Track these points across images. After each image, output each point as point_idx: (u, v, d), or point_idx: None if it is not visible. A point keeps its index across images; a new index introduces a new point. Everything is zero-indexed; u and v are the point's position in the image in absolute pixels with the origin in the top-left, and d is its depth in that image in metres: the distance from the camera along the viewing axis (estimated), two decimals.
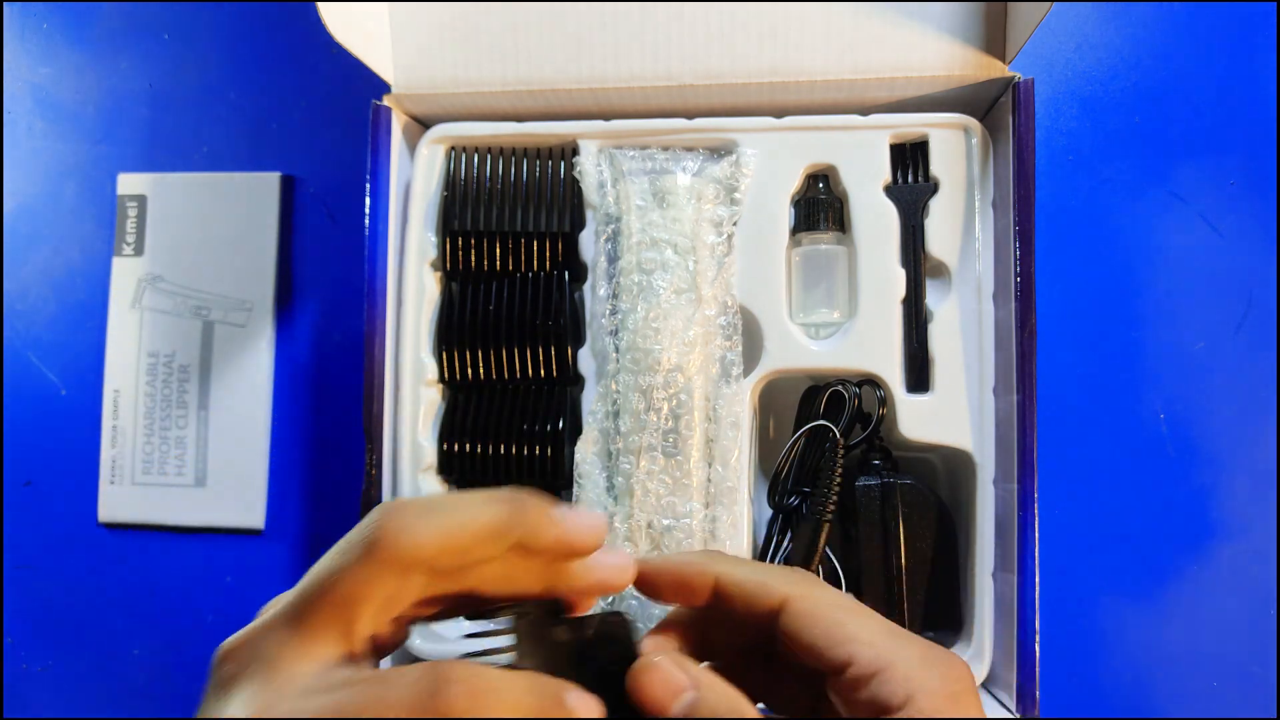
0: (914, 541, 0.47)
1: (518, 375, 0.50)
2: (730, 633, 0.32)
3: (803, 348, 0.48)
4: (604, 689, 0.28)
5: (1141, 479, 0.53)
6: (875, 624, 0.29)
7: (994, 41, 0.47)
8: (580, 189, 0.50)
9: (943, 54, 0.47)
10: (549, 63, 0.49)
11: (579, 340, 0.50)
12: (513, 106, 0.51)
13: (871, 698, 0.27)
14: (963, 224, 0.48)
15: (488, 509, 0.27)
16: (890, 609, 0.46)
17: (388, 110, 0.50)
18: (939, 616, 0.47)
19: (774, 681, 0.32)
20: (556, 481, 0.50)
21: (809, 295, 0.49)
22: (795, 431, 0.49)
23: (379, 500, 0.49)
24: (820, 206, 0.49)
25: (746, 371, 0.48)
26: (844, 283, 0.49)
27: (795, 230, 0.50)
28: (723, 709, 0.28)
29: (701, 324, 0.48)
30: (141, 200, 0.59)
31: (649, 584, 0.32)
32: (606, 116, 0.50)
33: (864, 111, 0.49)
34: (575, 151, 0.50)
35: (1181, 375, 0.53)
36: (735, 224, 0.49)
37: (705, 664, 0.30)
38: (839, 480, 0.47)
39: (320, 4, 0.43)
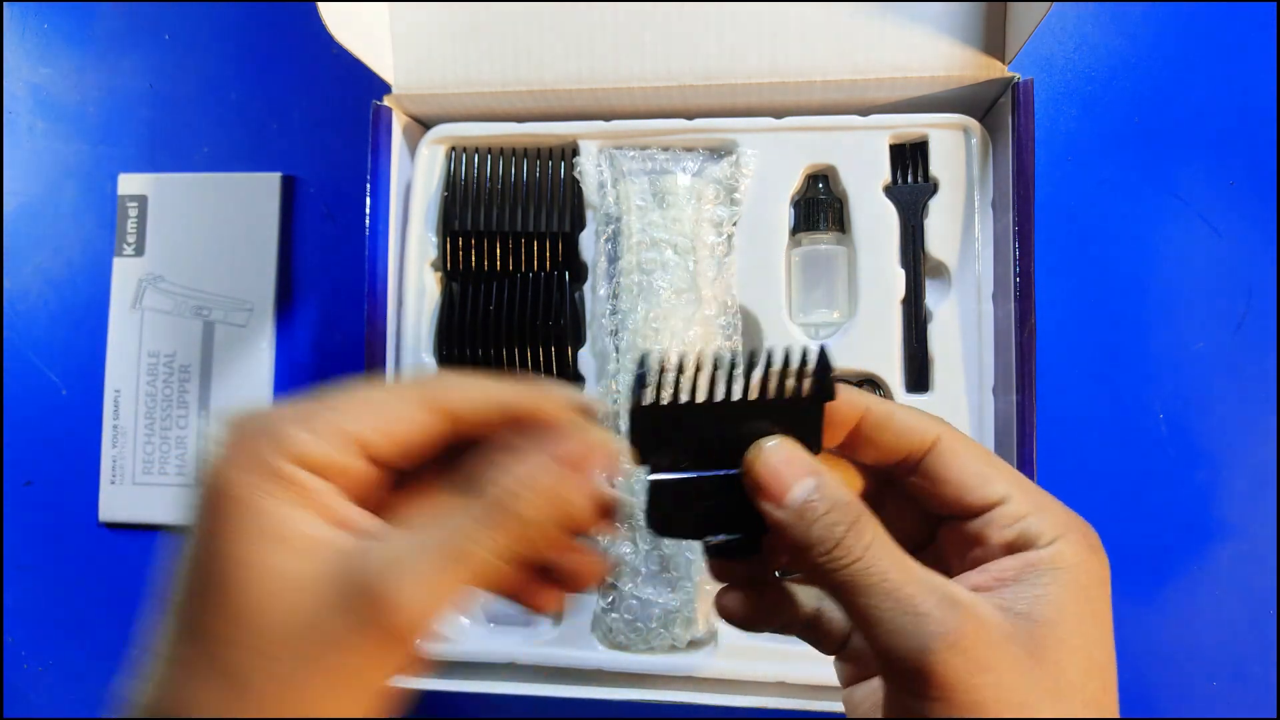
0: None
1: (518, 375, 0.50)
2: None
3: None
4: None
5: (1141, 479, 0.53)
6: (1018, 473, 0.30)
7: (994, 41, 0.47)
8: (580, 189, 0.50)
9: (943, 54, 0.47)
10: (549, 63, 0.49)
11: (579, 340, 0.50)
12: (513, 107, 0.51)
13: (1018, 535, 0.28)
14: (962, 224, 0.48)
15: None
16: None
17: (388, 110, 0.50)
18: None
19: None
20: None
21: (809, 295, 0.49)
22: None
23: None
24: (820, 207, 0.49)
25: None
26: (844, 283, 0.49)
27: (795, 230, 0.50)
28: (846, 498, 0.28)
29: (701, 324, 0.48)
30: (142, 200, 0.59)
31: None
32: (606, 117, 0.50)
33: (864, 112, 0.49)
34: (575, 152, 0.50)
35: (1181, 375, 0.53)
36: (735, 224, 0.49)
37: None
38: None
39: (320, 4, 0.43)
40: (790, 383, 0.29)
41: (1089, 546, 0.28)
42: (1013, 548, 0.29)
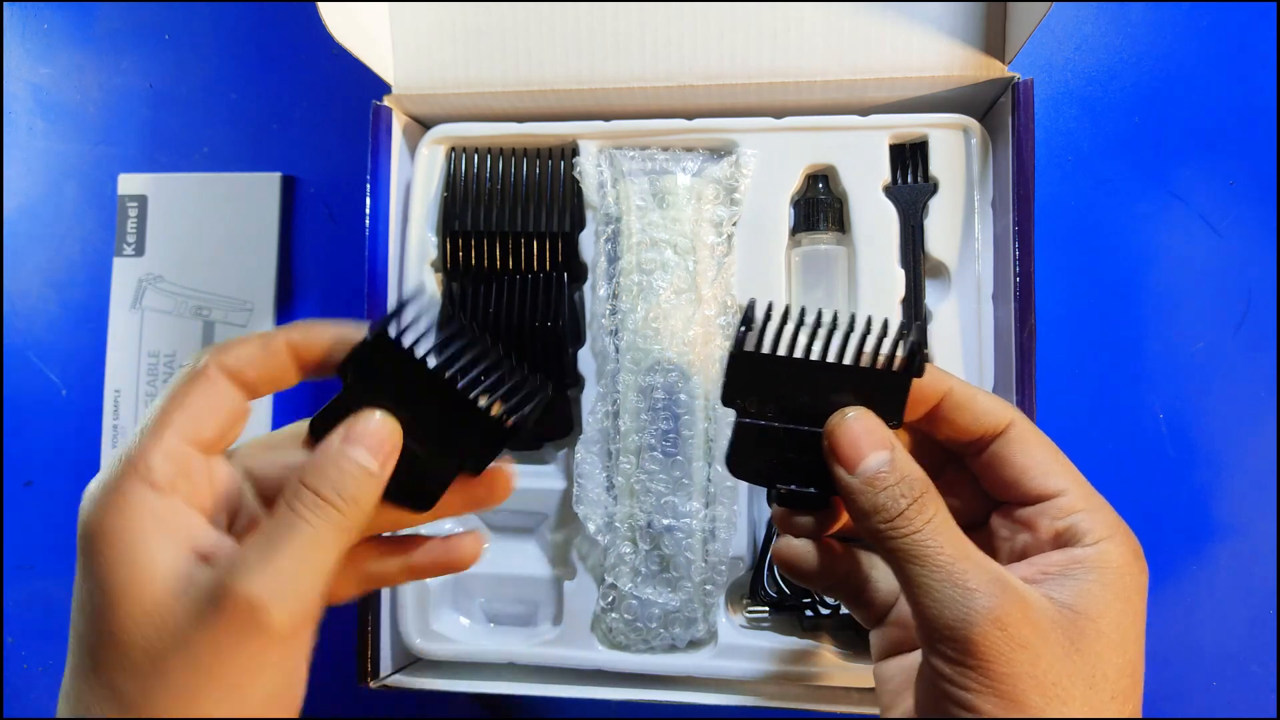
0: None
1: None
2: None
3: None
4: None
5: (1141, 479, 0.53)
6: (1079, 472, 0.32)
7: (994, 42, 0.47)
8: (580, 189, 0.50)
9: (943, 54, 0.47)
10: (549, 63, 0.49)
11: (579, 340, 0.50)
12: (513, 107, 0.51)
13: (1067, 529, 0.30)
14: (962, 224, 0.48)
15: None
16: None
17: (388, 110, 0.50)
18: None
19: None
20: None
21: (809, 295, 0.49)
22: None
23: None
24: (820, 207, 0.49)
25: None
26: (844, 283, 0.49)
27: (795, 230, 0.50)
28: (915, 475, 0.30)
29: (701, 324, 0.48)
30: (142, 200, 0.59)
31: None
32: (606, 117, 0.50)
33: (864, 112, 0.49)
34: (575, 152, 0.51)
35: (1181, 375, 0.53)
36: (735, 224, 0.49)
37: None
38: None
39: (320, 4, 0.43)
40: (884, 354, 0.31)
41: (1133, 552, 0.30)
42: (1060, 539, 0.30)
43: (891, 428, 0.31)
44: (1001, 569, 0.29)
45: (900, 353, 0.31)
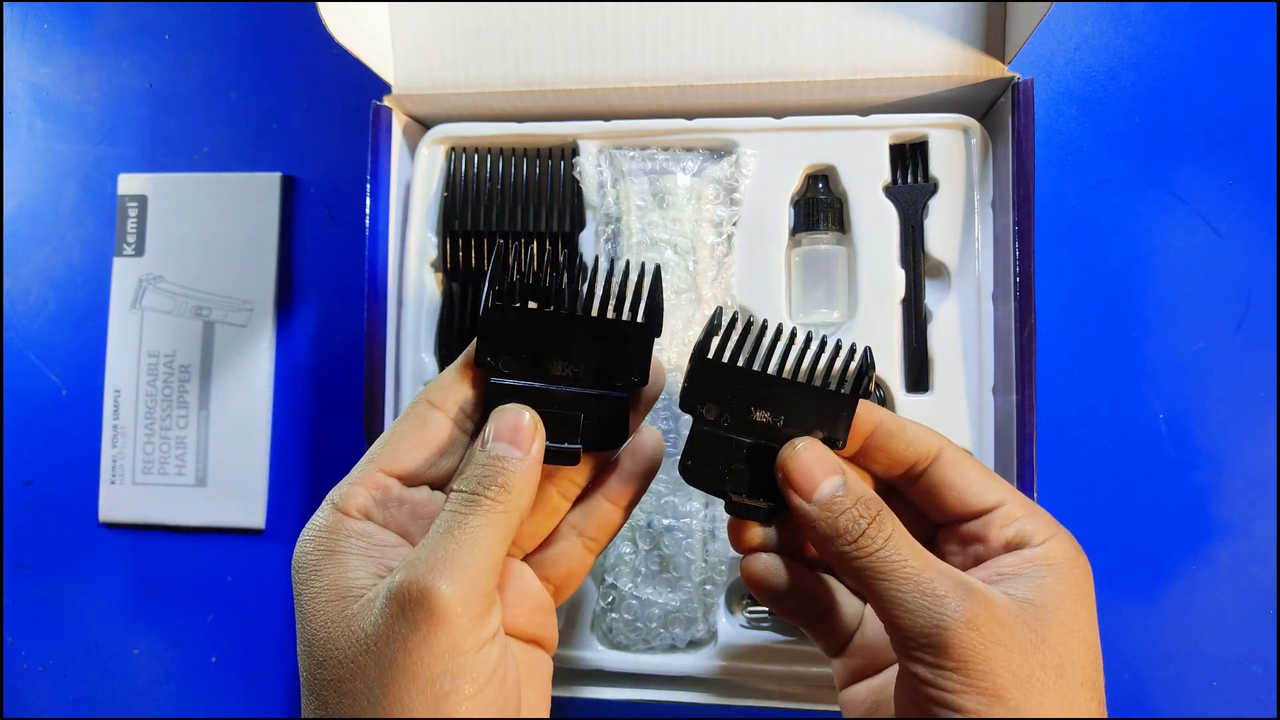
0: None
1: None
2: None
3: None
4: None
5: (1141, 479, 0.53)
6: (1009, 484, 0.34)
7: (994, 42, 0.47)
8: (580, 189, 0.50)
9: (943, 54, 0.47)
10: (549, 63, 0.49)
11: None
12: (513, 107, 0.51)
13: (1015, 535, 0.32)
14: (962, 224, 0.48)
15: None
16: None
17: (388, 110, 0.50)
18: None
19: None
20: None
21: (809, 295, 0.49)
22: None
23: None
24: (820, 207, 0.49)
25: None
26: (844, 283, 0.49)
27: (795, 230, 0.50)
28: (868, 495, 0.31)
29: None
30: (142, 200, 0.59)
31: None
32: (606, 117, 0.50)
33: (864, 112, 0.49)
34: (575, 152, 0.51)
35: (1181, 375, 0.53)
36: (735, 224, 0.49)
37: None
38: None
39: (320, 4, 0.43)
40: (836, 374, 0.33)
41: (1075, 548, 0.32)
42: (1010, 544, 0.32)
43: (838, 449, 0.33)
44: (963, 574, 0.30)
45: (850, 374, 0.33)
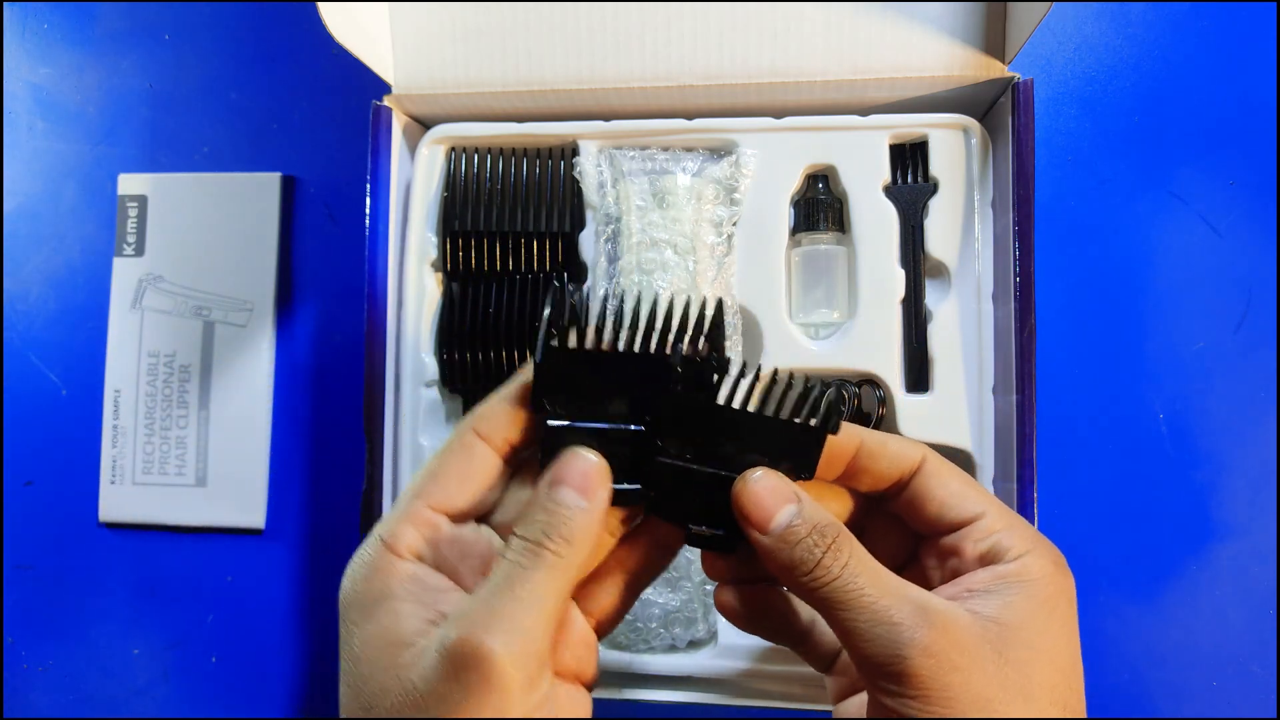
0: None
1: None
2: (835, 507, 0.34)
3: (802, 348, 0.48)
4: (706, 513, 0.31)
5: (1141, 479, 0.53)
6: (993, 495, 0.33)
7: (994, 42, 0.47)
8: (580, 189, 0.50)
9: (943, 54, 0.47)
10: (549, 63, 0.49)
11: None
12: (513, 107, 0.51)
13: (990, 548, 0.31)
14: (962, 224, 0.48)
15: None
16: None
17: (388, 110, 0.50)
18: None
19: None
20: None
21: (809, 295, 0.49)
22: None
23: (379, 500, 0.49)
24: (820, 207, 0.49)
25: None
26: (844, 283, 0.49)
27: (795, 230, 0.50)
28: (825, 521, 0.30)
29: None
30: (142, 200, 0.59)
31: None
32: (606, 117, 0.50)
33: (864, 112, 0.49)
34: (575, 152, 0.50)
35: (1181, 375, 0.53)
36: (735, 224, 0.49)
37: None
38: None
39: (320, 4, 0.43)
40: (803, 409, 0.31)
41: (1054, 562, 0.31)
42: (985, 559, 0.31)
43: (803, 479, 0.32)
44: (924, 594, 0.30)
45: (820, 409, 0.31)
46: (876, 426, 0.47)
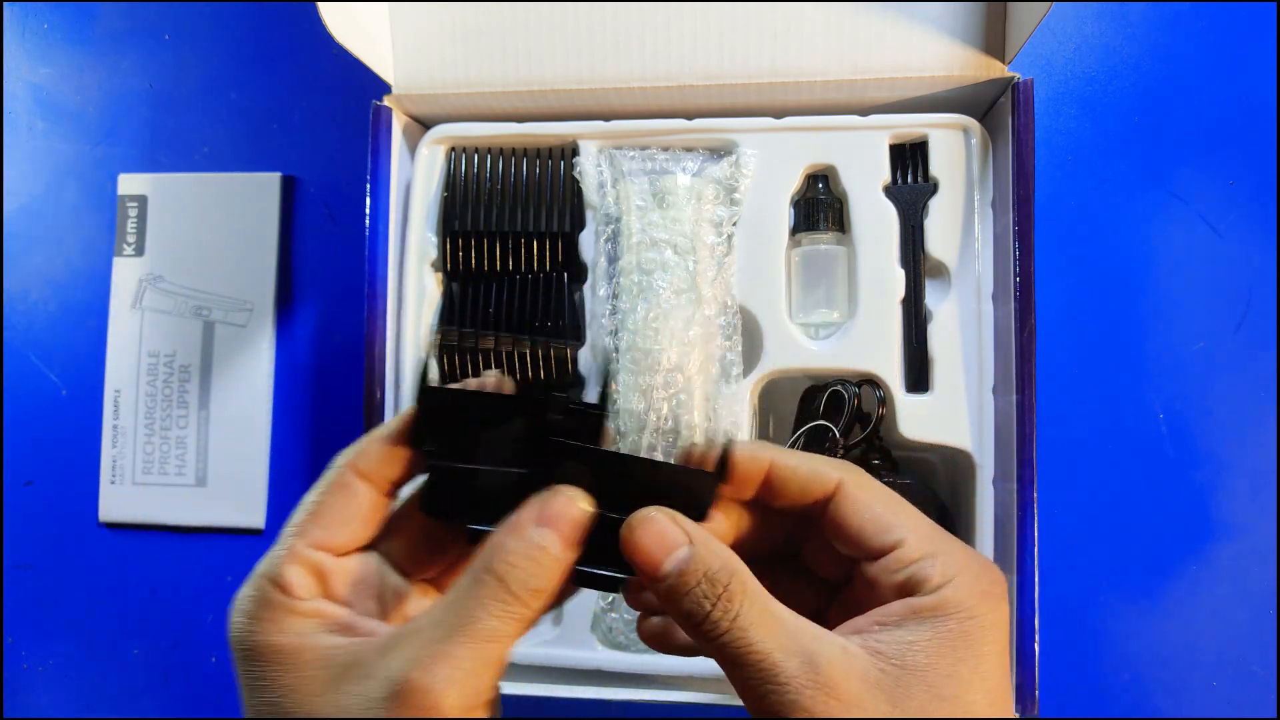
0: None
1: (517, 375, 0.50)
2: (754, 534, 0.32)
3: (802, 348, 0.48)
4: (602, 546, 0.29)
5: (1141, 479, 0.53)
6: (921, 518, 0.30)
7: (994, 42, 0.47)
8: (580, 189, 0.50)
9: (943, 54, 0.47)
10: (549, 63, 0.49)
11: (579, 340, 0.50)
12: (513, 107, 0.51)
13: (908, 579, 0.28)
14: (962, 224, 0.48)
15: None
16: None
17: (388, 110, 0.50)
18: None
19: (777, 590, 0.31)
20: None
21: (809, 295, 0.49)
22: (795, 431, 0.49)
23: None
24: (820, 207, 0.49)
25: (746, 371, 0.48)
26: (844, 283, 0.49)
27: (795, 230, 0.50)
28: (716, 567, 0.28)
29: (701, 324, 0.48)
30: (142, 200, 0.59)
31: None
32: (606, 117, 0.50)
33: (864, 112, 0.49)
34: (575, 152, 0.50)
35: (1181, 375, 0.53)
36: (735, 224, 0.49)
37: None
38: None
39: (320, 4, 0.43)
40: (696, 455, 0.31)
41: (981, 592, 0.28)
42: (903, 591, 0.29)
43: (696, 519, 0.30)
44: (819, 641, 0.27)
45: (711, 454, 0.30)
46: (876, 426, 0.47)
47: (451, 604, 0.27)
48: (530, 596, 0.27)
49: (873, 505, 0.30)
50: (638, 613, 0.34)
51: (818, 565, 0.31)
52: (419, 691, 0.26)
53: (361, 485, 0.31)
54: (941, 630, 0.27)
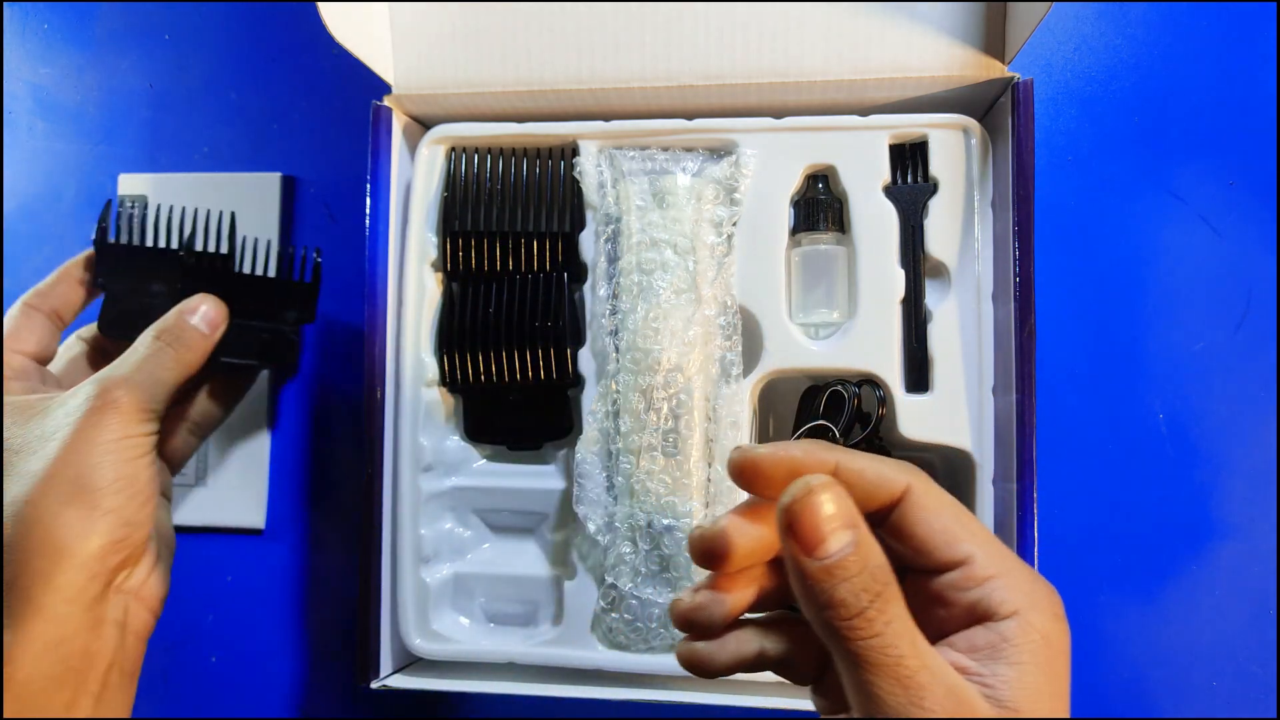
0: None
1: (518, 376, 0.50)
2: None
3: (802, 348, 0.48)
4: None
5: (1141, 479, 0.53)
6: (985, 531, 0.29)
7: (994, 42, 0.47)
8: (580, 189, 0.50)
9: (942, 54, 0.47)
10: (549, 63, 0.49)
11: (579, 340, 0.50)
12: (513, 107, 0.51)
13: (980, 600, 0.28)
14: (962, 224, 0.48)
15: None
16: None
17: (388, 110, 0.50)
18: None
19: None
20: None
21: (809, 295, 0.49)
22: (795, 431, 0.49)
23: (379, 500, 0.49)
24: (820, 207, 0.49)
25: (746, 371, 0.49)
26: (844, 283, 0.49)
27: (795, 230, 0.50)
28: (878, 563, 0.26)
29: (701, 324, 0.48)
30: (142, 200, 0.59)
31: (757, 476, 0.29)
32: (606, 117, 0.50)
33: (864, 112, 0.49)
34: (575, 152, 0.51)
35: (1181, 375, 0.53)
36: (735, 224, 0.49)
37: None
38: None
39: (320, 4, 0.43)
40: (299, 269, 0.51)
41: (1054, 616, 0.28)
42: (973, 611, 0.28)
43: (303, 323, 0.50)
44: (956, 678, 0.26)
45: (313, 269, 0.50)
46: (876, 426, 0.47)
47: (133, 349, 0.43)
48: (182, 347, 0.43)
49: (941, 514, 0.29)
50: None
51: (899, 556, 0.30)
52: (105, 388, 0.39)
53: (38, 315, 0.46)
54: (1036, 662, 0.27)
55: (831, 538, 0.26)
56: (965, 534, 0.29)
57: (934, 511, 0.29)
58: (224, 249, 0.49)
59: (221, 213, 0.49)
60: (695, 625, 0.31)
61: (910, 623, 0.26)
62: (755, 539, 0.30)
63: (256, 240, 0.50)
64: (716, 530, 0.29)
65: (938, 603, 0.29)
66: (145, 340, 0.43)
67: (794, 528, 0.26)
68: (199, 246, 0.48)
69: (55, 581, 0.36)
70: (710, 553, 0.29)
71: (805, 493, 0.26)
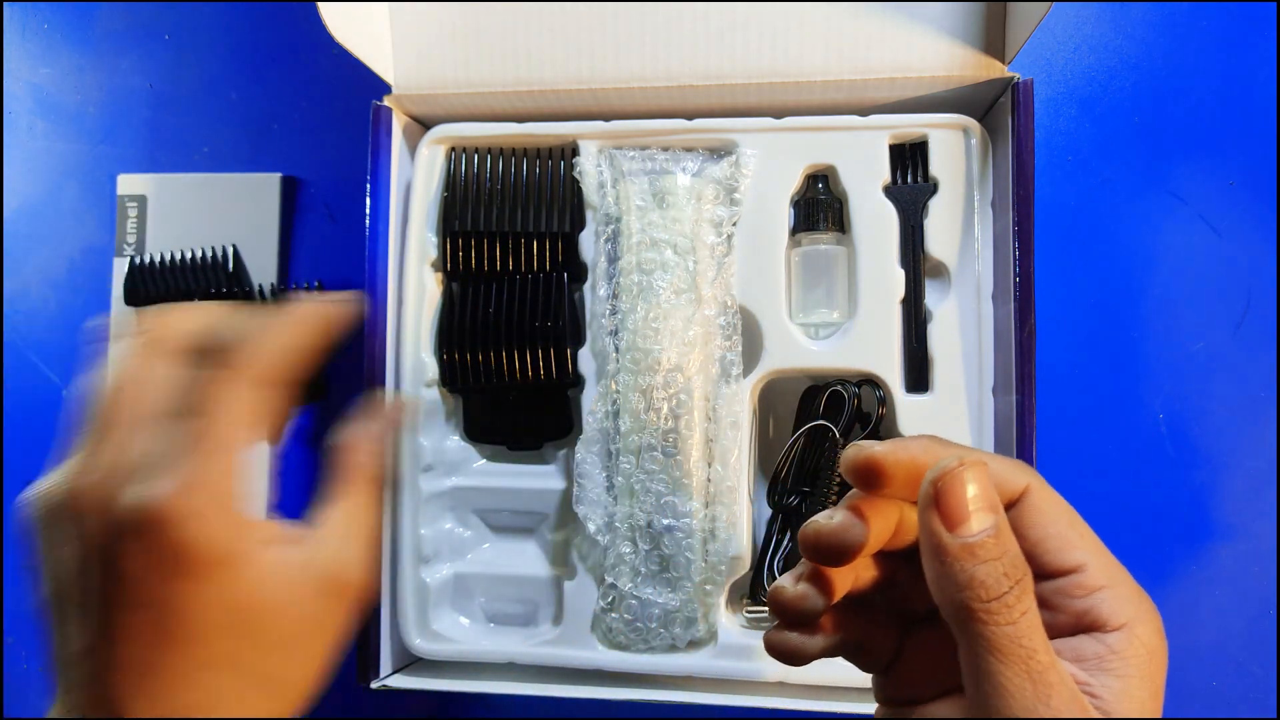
0: None
1: (517, 376, 0.50)
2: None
3: (802, 348, 0.48)
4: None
5: (1141, 479, 0.53)
6: (1099, 541, 0.29)
7: (993, 42, 0.47)
8: (580, 189, 0.50)
9: (942, 54, 0.47)
10: (549, 63, 0.49)
11: (579, 341, 0.50)
12: (513, 107, 0.51)
13: (1089, 610, 0.28)
14: (962, 224, 0.48)
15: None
16: None
17: (388, 110, 0.50)
18: None
19: (913, 587, 0.30)
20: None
21: (809, 295, 0.49)
22: (795, 431, 0.49)
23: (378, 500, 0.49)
24: (820, 207, 0.49)
25: (746, 371, 0.48)
26: (843, 283, 0.49)
27: (795, 230, 0.50)
28: (1018, 551, 0.26)
29: (701, 324, 0.48)
30: (142, 201, 0.59)
31: (878, 473, 0.28)
32: (606, 117, 0.50)
33: (863, 112, 0.49)
34: (575, 152, 0.51)
35: (1181, 375, 0.53)
36: (735, 224, 0.49)
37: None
38: (839, 480, 0.47)
39: (320, 4, 0.43)
40: None
41: (1157, 630, 0.28)
42: (1081, 620, 0.28)
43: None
44: (1075, 687, 0.26)
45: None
46: (876, 426, 0.47)
47: (354, 519, 0.38)
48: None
49: (1058, 519, 0.29)
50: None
51: (910, 594, 0.29)
52: (345, 583, 0.35)
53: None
54: (1143, 676, 0.27)
55: (975, 517, 0.26)
56: (1079, 541, 0.28)
57: (1050, 515, 0.29)
58: (247, 286, 0.50)
59: (225, 249, 0.50)
60: (797, 615, 0.30)
61: (1040, 620, 0.26)
62: (872, 534, 0.29)
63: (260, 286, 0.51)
64: (842, 527, 0.29)
65: (1045, 607, 0.28)
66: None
67: (940, 501, 0.26)
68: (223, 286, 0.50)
69: None
70: (839, 549, 0.29)
71: (956, 467, 0.26)
